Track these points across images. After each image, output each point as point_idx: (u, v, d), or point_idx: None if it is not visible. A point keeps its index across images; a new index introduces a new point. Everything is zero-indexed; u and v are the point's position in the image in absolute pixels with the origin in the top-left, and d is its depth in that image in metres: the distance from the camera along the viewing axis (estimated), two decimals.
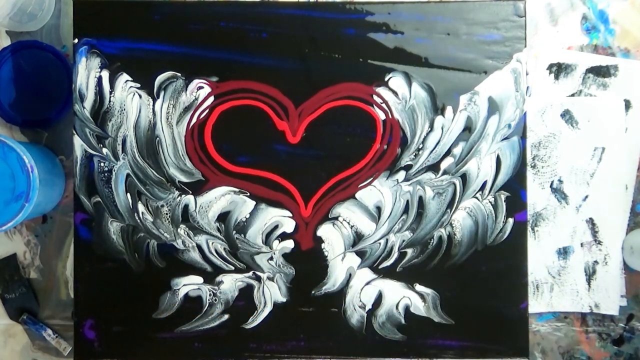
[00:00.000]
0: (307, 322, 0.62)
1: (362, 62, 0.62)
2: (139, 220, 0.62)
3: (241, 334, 0.62)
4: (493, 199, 0.62)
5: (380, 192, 0.62)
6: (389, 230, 0.62)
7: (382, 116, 0.62)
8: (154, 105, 0.62)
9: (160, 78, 0.62)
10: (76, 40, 0.61)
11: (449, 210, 0.62)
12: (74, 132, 0.62)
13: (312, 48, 0.62)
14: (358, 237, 0.62)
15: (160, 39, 0.61)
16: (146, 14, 0.62)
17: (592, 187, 0.66)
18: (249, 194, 0.62)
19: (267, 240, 0.62)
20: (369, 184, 0.62)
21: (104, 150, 0.62)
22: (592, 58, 0.66)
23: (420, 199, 0.62)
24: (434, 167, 0.62)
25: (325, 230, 0.62)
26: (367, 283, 0.62)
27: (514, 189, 0.62)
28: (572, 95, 0.66)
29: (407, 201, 0.62)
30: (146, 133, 0.62)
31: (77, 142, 0.62)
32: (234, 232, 0.62)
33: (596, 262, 0.66)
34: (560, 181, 0.66)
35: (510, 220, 0.62)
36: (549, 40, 0.67)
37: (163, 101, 0.62)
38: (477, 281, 0.62)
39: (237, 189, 0.62)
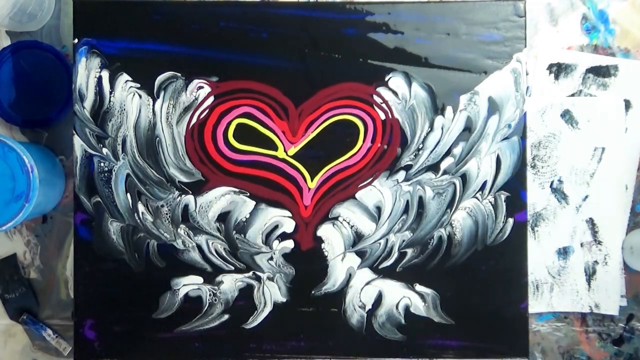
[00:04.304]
0: (307, 322, 0.62)
1: (362, 62, 0.62)
2: (139, 220, 0.62)
3: (241, 334, 0.62)
4: (493, 199, 0.62)
5: (380, 192, 0.62)
6: (389, 230, 0.62)
7: (382, 116, 0.62)
8: (154, 105, 0.62)
9: (160, 78, 0.62)
10: (76, 40, 0.61)
11: (449, 210, 0.62)
12: (74, 132, 0.62)
13: (312, 48, 0.62)
14: (358, 237, 0.62)
15: (160, 39, 0.61)
16: (146, 14, 0.62)
17: (592, 187, 0.66)
18: (249, 194, 0.62)
19: (267, 240, 0.62)
20: (369, 184, 0.62)
21: (104, 150, 0.62)
22: (592, 58, 0.66)
23: (420, 199, 0.62)
24: (434, 167, 0.62)
25: (325, 230, 0.62)
26: (367, 283, 0.62)
27: (514, 189, 0.62)
28: (572, 95, 0.66)
29: (407, 201, 0.62)
30: (146, 133, 0.62)
31: (77, 142, 0.62)
32: (234, 232, 0.62)
33: (596, 262, 0.66)
34: (560, 181, 0.66)
35: (510, 220, 0.62)
36: (549, 40, 0.66)
37: (163, 101, 0.62)
38: (477, 281, 0.62)
39: (237, 189, 0.62)
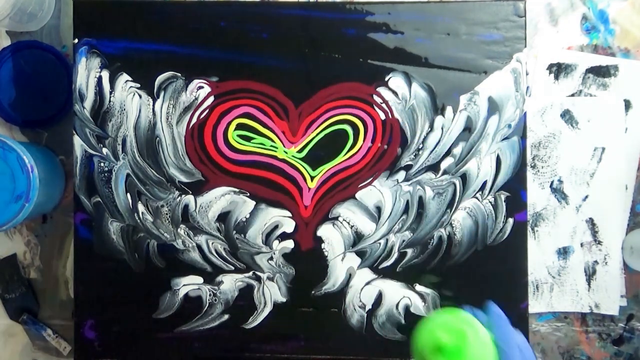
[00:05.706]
0: (307, 322, 0.62)
1: (362, 62, 0.62)
2: (139, 220, 0.62)
3: (241, 334, 0.62)
4: (493, 199, 0.62)
5: (380, 192, 0.62)
6: (389, 230, 0.62)
7: (382, 116, 0.62)
8: (154, 105, 0.62)
9: (160, 78, 0.62)
10: (76, 40, 0.61)
11: (449, 210, 0.62)
12: (74, 132, 0.62)
13: (312, 48, 0.62)
14: (358, 237, 0.62)
15: (160, 39, 0.61)
16: (146, 14, 0.62)
17: (592, 187, 0.66)
18: (249, 194, 0.62)
19: (267, 240, 0.62)
20: (369, 184, 0.62)
21: (104, 150, 0.62)
22: (592, 58, 0.66)
23: (420, 199, 0.62)
24: (434, 167, 0.62)
25: (325, 230, 0.62)
26: (367, 283, 0.62)
27: (514, 189, 0.62)
28: (572, 95, 0.66)
29: (407, 201, 0.62)
30: (146, 133, 0.62)
31: (77, 142, 0.62)
32: (234, 232, 0.62)
33: (596, 262, 0.66)
34: (560, 181, 0.66)
35: (510, 220, 0.62)
36: (549, 40, 0.66)
37: (163, 101, 0.62)
38: (477, 281, 0.62)
39: (237, 189, 0.62)
